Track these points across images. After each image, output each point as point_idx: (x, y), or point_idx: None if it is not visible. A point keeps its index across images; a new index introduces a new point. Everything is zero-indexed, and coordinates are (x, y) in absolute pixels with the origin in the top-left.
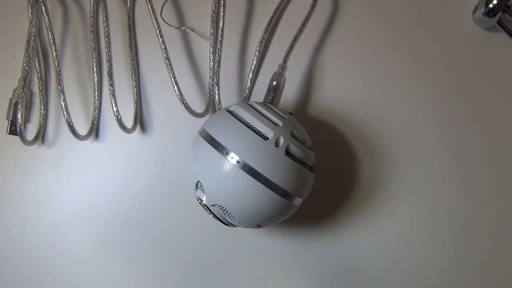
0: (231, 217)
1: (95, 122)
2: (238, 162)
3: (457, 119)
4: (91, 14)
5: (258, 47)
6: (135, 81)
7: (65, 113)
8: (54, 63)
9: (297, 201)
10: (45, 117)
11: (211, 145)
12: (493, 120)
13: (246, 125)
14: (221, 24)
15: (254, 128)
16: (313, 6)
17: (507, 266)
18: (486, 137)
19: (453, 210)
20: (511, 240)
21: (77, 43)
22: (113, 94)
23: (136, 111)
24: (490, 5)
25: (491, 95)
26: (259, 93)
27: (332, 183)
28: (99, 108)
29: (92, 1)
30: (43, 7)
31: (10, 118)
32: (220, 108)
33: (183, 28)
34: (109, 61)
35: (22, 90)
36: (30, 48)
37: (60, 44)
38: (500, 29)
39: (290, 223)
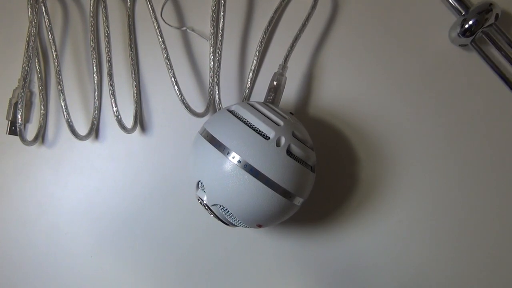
0: (232, 217)
1: (95, 122)
2: (239, 161)
3: (458, 118)
4: (91, 14)
5: (258, 47)
6: (135, 81)
7: (65, 113)
8: (54, 63)
9: (298, 201)
10: (45, 117)
11: (212, 144)
12: (494, 119)
13: (247, 125)
14: (221, 24)
15: (256, 127)
16: (313, 7)
17: (507, 266)
18: (487, 137)
19: (454, 209)
20: None
21: (77, 43)
22: (113, 94)
23: (136, 111)
24: (466, 26)
25: (492, 94)
26: (259, 93)
27: (333, 183)
28: (99, 108)
29: (92, 1)
30: (43, 7)
31: (10, 118)
32: (220, 108)
33: (184, 28)
34: (109, 61)
35: (22, 90)
36: (30, 48)
37: (60, 44)
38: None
39: (290, 223)
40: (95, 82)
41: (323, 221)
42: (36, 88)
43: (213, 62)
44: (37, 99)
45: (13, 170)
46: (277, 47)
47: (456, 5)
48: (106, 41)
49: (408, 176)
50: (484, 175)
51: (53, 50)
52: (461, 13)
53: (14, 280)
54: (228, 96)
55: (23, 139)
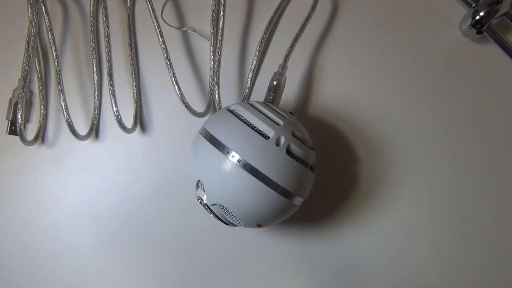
0: (232, 217)
1: (95, 122)
2: (239, 161)
3: (457, 118)
4: (91, 14)
5: (258, 47)
6: (135, 81)
7: (65, 113)
8: (54, 63)
9: (298, 201)
10: (45, 117)
11: (212, 144)
12: (493, 119)
13: (247, 124)
14: (221, 23)
15: (255, 127)
16: (313, 7)
17: (506, 267)
18: (486, 137)
19: (453, 210)
20: (511, 240)
21: (77, 43)
22: (113, 94)
23: (136, 111)
24: (477, 17)
25: (491, 94)
26: (259, 93)
27: (332, 182)
28: (99, 108)
29: (92, 1)
30: (43, 7)
31: (10, 118)
32: (220, 108)
33: (184, 28)
34: (109, 61)
35: (22, 90)
36: (30, 48)
37: (60, 44)
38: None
39: (290, 223)
40: (95, 82)
41: (323, 221)
42: (36, 88)
43: (213, 62)
44: (37, 99)
45: (13, 170)
46: (277, 47)
47: None
48: (106, 41)
49: (408, 176)
50: (484, 175)
51: (53, 50)
52: (471, 5)
53: (14, 280)
54: (228, 96)
55: (23, 139)
